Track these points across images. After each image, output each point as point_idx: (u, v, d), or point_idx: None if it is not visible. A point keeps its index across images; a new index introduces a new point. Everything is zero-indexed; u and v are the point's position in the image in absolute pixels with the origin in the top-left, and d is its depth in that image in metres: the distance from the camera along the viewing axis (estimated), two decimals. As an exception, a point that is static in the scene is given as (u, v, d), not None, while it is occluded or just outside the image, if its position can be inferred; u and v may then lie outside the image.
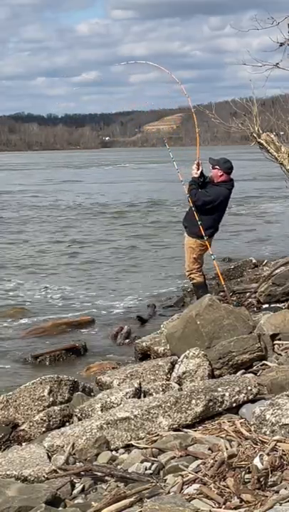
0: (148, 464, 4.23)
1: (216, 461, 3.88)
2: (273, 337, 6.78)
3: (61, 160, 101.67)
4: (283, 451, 3.89)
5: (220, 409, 4.85)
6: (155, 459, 4.28)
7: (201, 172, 9.01)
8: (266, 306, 9.62)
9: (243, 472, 3.74)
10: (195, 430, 4.65)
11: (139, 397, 5.47)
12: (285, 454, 3.85)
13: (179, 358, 6.33)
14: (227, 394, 4.90)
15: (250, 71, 10.30)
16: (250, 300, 10.10)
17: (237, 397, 4.92)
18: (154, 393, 5.66)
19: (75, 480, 4.27)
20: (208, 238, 8.94)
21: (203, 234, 8.81)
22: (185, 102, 9.96)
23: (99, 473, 4.22)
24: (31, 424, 5.70)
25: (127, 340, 9.18)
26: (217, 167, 8.97)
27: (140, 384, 5.74)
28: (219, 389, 4.95)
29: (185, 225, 9.18)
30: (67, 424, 5.59)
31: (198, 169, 8.95)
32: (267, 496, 3.50)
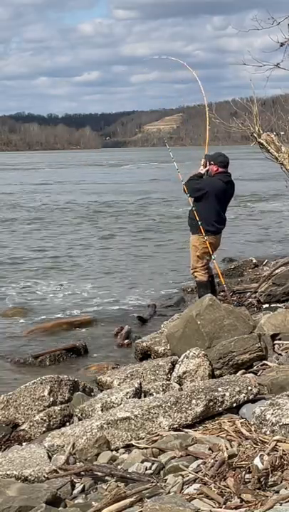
0: (148, 464, 4.23)
1: (216, 461, 3.88)
2: (273, 337, 6.79)
3: (74, 160, 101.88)
4: (283, 451, 3.89)
5: (220, 409, 4.85)
6: (155, 459, 4.28)
7: (207, 170, 9.21)
8: (266, 306, 9.63)
9: (244, 472, 3.74)
10: (195, 430, 4.65)
11: (139, 397, 5.47)
12: (285, 454, 3.85)
13: (179, 357, 6.33)
14: (227, 394, 4.90)
15: (252, 71, 10.32)
16: (250, 300, 10.10)
17: (237, 397, 4.92)
18: (154, 393, 5.67)
19: (75, 480, 4.27)
20: (213, 235, 8.99)
21: (203, 232, 8.89)
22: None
23: (99, 473, 4.22)
24: (31, 424, 5.70)
25: (127, 340, 9.18)
26: (212, 162, 9.18)
27: (140, 384, 5.74)
28: (219, 389, 4.95)
29: (189, 224, 9.26)
30: (67, 424, 5.59)
31: (204, 166, 9.19)
32: (267, 496, 3.50)
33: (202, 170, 9.17)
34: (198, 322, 6.74)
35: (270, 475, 3.66)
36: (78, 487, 4.19)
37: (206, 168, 9.16)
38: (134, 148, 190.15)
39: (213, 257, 9.13)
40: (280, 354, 6.49)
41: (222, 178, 9.10)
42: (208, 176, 9.21)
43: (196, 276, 9.18)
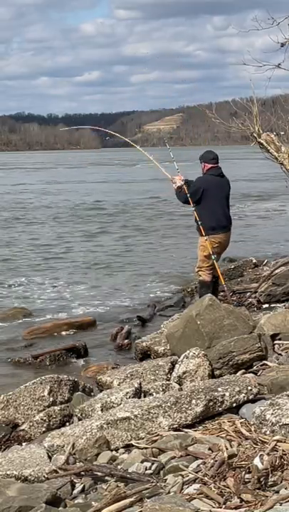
0: (148, 464, 4.23)
1: (216, 461, 3.88)
2: (273, 337, 6.79)
3: (76, 160, 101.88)
4: (283, 451, 3.89)
5: (220, 409, 4.85)
6: (155, 459, 4.28)
7: (185, 181, 9.24)
8: (266, 306, 9.63)
9: (243, 472, 3.74)
10: (195, 430, 4.65)
11: (139, 397, 5.47)
12: (285, 454, 3.85)
13: (179, 357, 6.33)
14: (227, 394, 4.90)
15: (252, 71, 10.33)
16: (250, 300, 10.10)
17: (237, 397, 4.92)
18: (154, 393, 5.67)
19: (75, 480, 4.27)
20: (218, 234, 9.00)
21: (203, 231, 8.91)
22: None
23: (99, 473, 4.22)
24: (31, 424, 5.70)
25: (127, 341, 9.17)
26: (202, 161, 9.26)
27: (140, 384, 5.74)
28: (219, 389, 4.95)
29: (197, 229, 9.29)
30: (67, 424, 5.59)
31: (173, 181, 9.24)
32: (267, 496, 3.50)
33: (178, 183, 9.18)
34: (198, 322, 6.73)
35: (270, 475, 3.66)
36: (78, 487, 4.19)
37: (181, 180, 9.15)
38: (135, 149, 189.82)
39: (213, 257, 9.13)
40: (280, 354, 6.49)
41: (213, 172, 9.16)
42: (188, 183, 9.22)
43: (200, 275, 9.19)
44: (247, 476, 3.70)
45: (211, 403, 4.80)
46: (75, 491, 4.16)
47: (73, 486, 4.21)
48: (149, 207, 30.15)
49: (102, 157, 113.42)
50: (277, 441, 4.02)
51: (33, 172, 68.42)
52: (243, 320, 6.78)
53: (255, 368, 6.15)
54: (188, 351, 6.18)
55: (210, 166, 9.18)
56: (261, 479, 3.61)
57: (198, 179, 9.20)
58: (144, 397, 5.51)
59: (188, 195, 9.04)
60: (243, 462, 3.85)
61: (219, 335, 6.59)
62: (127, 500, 3.66)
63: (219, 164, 9.26)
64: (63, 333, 9.92)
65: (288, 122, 11.17)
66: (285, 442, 4.01)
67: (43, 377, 6.24)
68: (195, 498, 3.60)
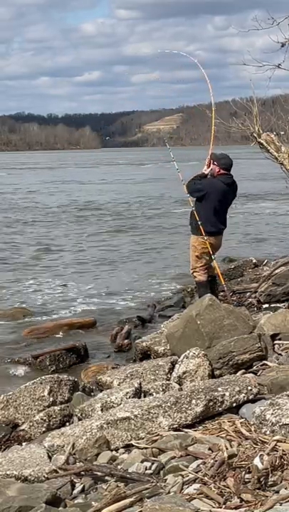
0: (148, 464, 4.23)
1: (216, 461, 3.88)
2: (273, 337, 6.79)
3: (77, 159, 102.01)
4: (283, 451, 3.89)
5: (220, 409, 4.85)
6: (155, 459, 4.28)
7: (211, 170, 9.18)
8: (266, 306, 9.62)
9: (243, 472, 3.74)
10: (195, 430, 4.65)
11: (139, 397, 5.47)
12: (285, 454, 3.85)
13: (179, 357, 6.33)
14: (227, 394, 4.90)
15: (252, 71, 10.32)
16: (250, 300, 10.10)
17: (237, 397, 4.92)
18: (154, 393, 5.67)
19: (75, 480, 4.27)
20: (212, 236, 8.98)
21: (203, 232, 8.88)
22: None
23: (99, 473, 4.22)
24: (31, 424, 5.70)
25: (127, 341, 9.17)
26: (215, 163, 9.12)
27: (140, 384, 5.75)
28: (219, 389, 4.95)
29: (189, 224, 9.27)
30: (67, 424, 5.59)
31: (208, 166, 9.12)
32: (267, 496, 3.50)
33: (206, 170, 9.13)
34: (198, 322, 6.74)
35: (270, 475, 3.66)
36: (78, 487, 4.19)
37: (210, 168, 9.14)
38: (136, 149, 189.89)
39: (213, 257, 9.12)
40: (280, 354, 6.49)
41: (223, 179, 9.05)
42: (210, 176, 9.18)
43: (195, 276, 9.18)
44: (247, 476, 3.70)
45: (211, 403, 4.81)
46: (75, 491, 4.16)
47: (73, 486, 4.21)
48: (151, 206, 30.14)
49: (104, 157, 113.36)
50: (277, 441, 4.02)
51: (40, 172, 68.53)
52: (243, 320, 6.78)
53: (255, 368, 6.15)
54: (188, 351, 6.18)
55: (223, 172, 9.09)
56: (261, 479, 3.61)
57: (205, 181, 9.08)
58: (144, 397, 5.52)
59: (188, 195, 9.04)
60: (243, 462, 3.85)
61: (219, 335, 6.59)
62: (127, 500, 3.66)
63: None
64: (63, 333, 9.92)
65: (288, 122, 11.17)
66: (285, 442, 4.01)
67: (43, 377, 6.24)
68: (195, 498, 3.60)
